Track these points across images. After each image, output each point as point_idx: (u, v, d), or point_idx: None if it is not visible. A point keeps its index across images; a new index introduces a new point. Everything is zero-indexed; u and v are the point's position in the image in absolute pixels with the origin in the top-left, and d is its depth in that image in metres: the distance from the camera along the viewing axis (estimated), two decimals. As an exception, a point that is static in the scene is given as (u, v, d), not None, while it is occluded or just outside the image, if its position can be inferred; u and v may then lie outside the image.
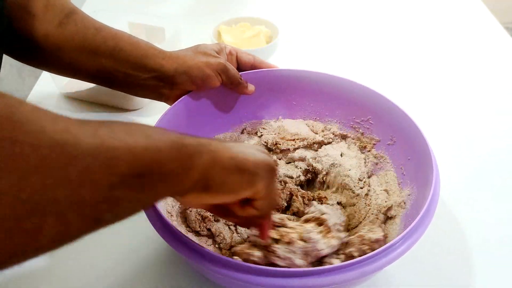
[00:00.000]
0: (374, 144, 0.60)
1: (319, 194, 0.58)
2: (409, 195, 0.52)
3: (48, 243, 0.25)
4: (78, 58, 0.56)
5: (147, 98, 0.62)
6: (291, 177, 0.59)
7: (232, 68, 0.59)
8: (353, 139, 0.62)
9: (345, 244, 0.48)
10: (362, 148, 0.61)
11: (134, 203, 0.30)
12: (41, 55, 0.57)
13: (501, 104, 0.77)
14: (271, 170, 0.39)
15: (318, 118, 0.64)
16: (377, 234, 0.47)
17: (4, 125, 0.22)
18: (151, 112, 0.74)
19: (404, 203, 0.52)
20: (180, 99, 0.58)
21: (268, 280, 0.38)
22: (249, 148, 0.39)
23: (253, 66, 0.64)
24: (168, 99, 0.60)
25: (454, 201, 0.60)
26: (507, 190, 0.62)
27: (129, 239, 0.55)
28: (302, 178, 0.59)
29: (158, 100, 0.61)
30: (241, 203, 0.40)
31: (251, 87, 0.62)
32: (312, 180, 0.61)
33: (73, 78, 0.61)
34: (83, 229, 0.27)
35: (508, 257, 0.54)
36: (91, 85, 0.70)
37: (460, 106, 0.77)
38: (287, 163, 0.61)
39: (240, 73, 0.61)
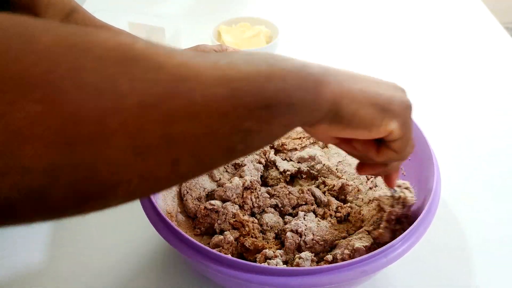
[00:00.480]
0: None
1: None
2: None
3: (186, 172, 0.25)
4: None
5: None
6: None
7: None
8: None
9: (334, 246, 0.48)
10: None
11: (265, 134, 0.28)
12: None
13: (501, 104, 0.77)
14: (407, 107, 0.37)
15: None
16: (362, 243, 0.46)
17: (121, 63, 0.22)
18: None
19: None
20: None
21: (268, 278, 0.38)
22: (382, 83, 0.36)
23: None
24: None
25: (454, 201, 0.60)
26: (507, 190, 0.62)
27: (129, 239, 0.55)
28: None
29: None
30: (377, 146, 0.38)
31: None
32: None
33: None
34: (217, 159, 0.27)
35: (509, 257, 0.54)
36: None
37: (460, 106, 0.77)
38: (297, 162, 0.60)
39: None
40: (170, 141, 0.23)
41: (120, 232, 0.56)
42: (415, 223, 0.42)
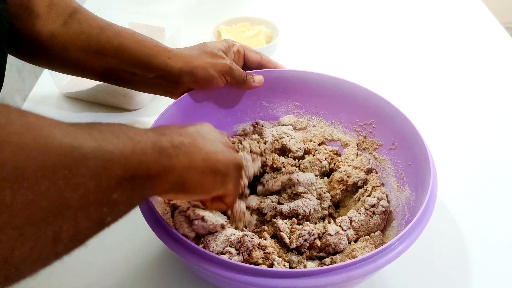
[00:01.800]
0: (376, 148, 0.60)
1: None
2: (407, 199, 0.52)
3: (65, 247, 0.26)
4: (84, 57, 0.56)
5: (154, 94, 0.62)
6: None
7: (237, 69, 0.59)
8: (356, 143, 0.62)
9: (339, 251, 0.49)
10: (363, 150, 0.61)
11: (128, 205, 0.31)
12: (47, 54, 0.57)
13: (501, 105, 0.77)
14: (239, 168, 0.43)
15: (321, 120, 0.64)
16: (363, 252, 0.48)
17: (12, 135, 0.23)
18: (151, 112, 0.74)
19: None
20: (181, 97, 0.58)
21: (260, 280, 0.38)
22: (218, 145, 0.41)
23: (259, 65, 0.64)
24: (173, 95, 0.60)
25: (452, 202, 0.60)
26: (505, 190, 0.62)
27: (127, 242, 0.55)
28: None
29: (164, 96, 0.61)
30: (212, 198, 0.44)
31: (258, 79, 0.61)
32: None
33: (80, 76, 0.61)
34: (91, 233, 0.28)
35: (506, 259, 0.54)
36: (91, 85, 0.70)
37: (460, 106, 0.77)
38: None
39: (246, 72, 0.61)
40: (54, 213, 0.24)
41: (118, 234, 0.55)
42: (411, 224, 0.42)
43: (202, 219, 0.46)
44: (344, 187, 0.56)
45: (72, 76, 0.79)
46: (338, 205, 0.57)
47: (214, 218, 0.47)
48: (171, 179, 0.35)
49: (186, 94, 0.58)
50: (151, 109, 0.75)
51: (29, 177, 0.23)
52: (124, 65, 0.56)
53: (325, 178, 0.59)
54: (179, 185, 0.36)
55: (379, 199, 0.52)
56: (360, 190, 0.56)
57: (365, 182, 0.57)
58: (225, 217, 0.49)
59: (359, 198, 0.55)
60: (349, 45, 0.93)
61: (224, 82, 0.59)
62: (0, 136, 0.23)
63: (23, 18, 0.54)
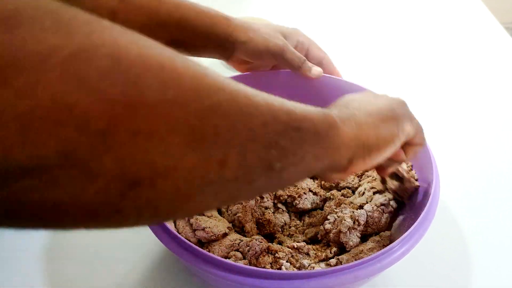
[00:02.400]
0: None
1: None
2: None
3: (232, 175, 0.25)
4: (146, 32, 0.55)
5: (211, 58, 0.62)
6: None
7: (292, 52, 0.58)
8: None
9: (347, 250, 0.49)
10: None
11: (298, 159, 0.29)
12: None
13: (501, 105, 0.77)
14: (404, 104, 0.41)
15: None
16: (370, 253, 0.47)
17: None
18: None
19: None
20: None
21: (262, 282, 0.38)
22: (368, 98, 0.39)
23: (320, 65, 0.62)
24: (228, 61, 0.61)
25: (454, 203, 0.60)
26: (507, 191, 0.62)
27: (129, 245, 0.54)
28: None
29: (220, 59, 0.62)
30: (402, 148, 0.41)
31: (316, 71, 0.59)
32: None
33: None
34: (259, 171, 0.27)
35: (508, 260, 0.54)
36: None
37: (460, 106, 0.77)
38: None
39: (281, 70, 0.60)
40: (219, 137, 0.24)
41: (120, 238, 0.55)
42: (414, 226, 0.42)
43: (204, 230, 0.46)
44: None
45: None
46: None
47: (216, 228, 0.46)
48: (345, 141, 0.33)
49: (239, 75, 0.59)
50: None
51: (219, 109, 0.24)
52: (186, 37, 0.57)
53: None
54: (360, 148, 0.34)
55: (390, 199, 0.51)
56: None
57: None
58: (230, 224, 0.49)
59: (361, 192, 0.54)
60: (349, 45, 0.93)
61: (273, 62, 0.59)
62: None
63: None
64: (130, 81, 0.21)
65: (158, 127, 0.21)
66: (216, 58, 0.62)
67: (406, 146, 0.41)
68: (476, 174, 0.65)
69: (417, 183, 0.50)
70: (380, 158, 0.37)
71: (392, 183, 0.51)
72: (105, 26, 0.21)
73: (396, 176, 0.51)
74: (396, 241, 0.41)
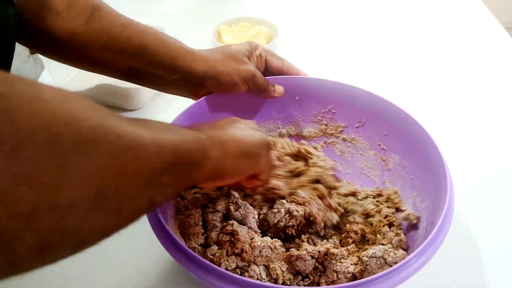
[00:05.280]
0: (341, 131, 0.62)
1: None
2: (421, 205, 0.52)
3: (124, 220, 0.30)
4: (105, 57, 0.55)
5: (175, 95, 0.61)
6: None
7: (260, 76, 0.59)
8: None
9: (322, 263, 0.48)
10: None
11: (173, 189, 0.36)
12: (68, 52, 0.56)
13: (501, 105, 0.77)
14: (268, 146, 0.47)
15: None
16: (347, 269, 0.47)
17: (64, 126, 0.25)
18: (151, 112, 0.74)
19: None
20: (199, 100, 0.58)
21: None
22: (246, 130, 0.45)
23: (281, 72, 0.63)
24: (195, 97, 0.60)
25: (467, 211, 0.58)
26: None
27: (135, 256, 0.54)
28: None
29: (186, 97, 0.61)
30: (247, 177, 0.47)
31: (279, 90, 0.61)
32: None
33: (103, 74, 0.59)
34: (145, 210, 0.32)
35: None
36: (91, 85, 0.70)
37: (460, 106, 0.77)
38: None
39: (266, 77, 0.60)
40: (119, 191, 0.28)
41: (129, 250, 0.54)
42: (426, 241, 0.41)
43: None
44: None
45: (72, 76, 0.79)
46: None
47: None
48: (209, 167, 0.38)
49: (204, 97, 0.58)
50: (151, 109, 0.75)
51: (103, 155, 0.26)
52: (146, 65, 0.56)
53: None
54: (217, 172, 0.40)
55: (402, 257, 0.47)
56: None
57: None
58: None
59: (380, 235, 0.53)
60: (349, 45, 0.93)
61: (246, 88, 0.59)
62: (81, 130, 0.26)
63: (42, 15, 0.52)
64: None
65: (75, 198, 0.25)
66: (181, 95, 0.60)
67: (251, 177, 0.47)
68: (474, 177, 0.64)
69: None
70: (228, 182, 0.44)
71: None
72: None
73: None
74: (412, 255, 0.40)
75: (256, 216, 0.52)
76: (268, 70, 0.63)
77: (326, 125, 0.63)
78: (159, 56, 0.55)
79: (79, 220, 0.25)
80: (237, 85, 0.57)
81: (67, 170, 0.24)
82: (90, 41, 0.54)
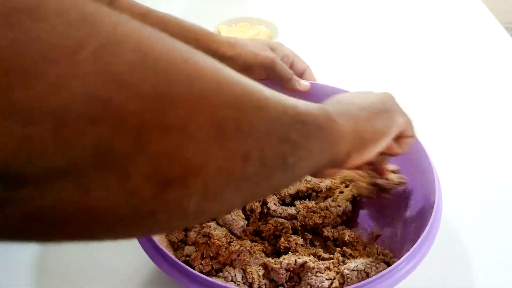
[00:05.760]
0: None
1: None
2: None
3: (252, 170, 0.25)
4: None
5: None
6: None
7: (282, 66, 0.58)
8: None
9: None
10: None
11: (309, 152, 0.30)
12: None
13: (501, 105, 0.77)
14: (393, 98, 0.41)
15: None
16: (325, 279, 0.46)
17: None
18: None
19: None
20: None
21: None
22: (362, 95, 0.40)
23: (302, 74, 0.63)
24: None
25: (455, 215, 0.58)
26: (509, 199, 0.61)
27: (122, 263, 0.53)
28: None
29: None
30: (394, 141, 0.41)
31: (304, 84, 0.60)
32: None
33: None
34: (276, 166, 0.27)
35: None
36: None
37: (459, 106, 0.77)
38: None
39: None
40: (240, 132, 0.24)
41: (111, 252, 0.53)
42: (416, 245, 0.41)
43: None
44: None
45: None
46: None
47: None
48: (345, 133, 0.34)
49: None
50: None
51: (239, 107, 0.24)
52: None
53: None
54: (357, 140, 0.35)
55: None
56: None
57: None
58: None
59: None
60: (349, 45, 0.93)
61: (264, 75, 0.58)
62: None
63: None
64: (159, 75, 0.20)
65: (188, 122, 0.21)
66: None
67: (398, 139, 0.41)
68: (475, 178, 0.63)
69: (403, 181, 0.51)
70: (376, 150, 0.37)
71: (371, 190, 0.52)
72: (127, 19, 0.21)
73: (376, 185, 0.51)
74: (400, 260, 0.40)
75: (245, 224, 0.52)
76: (293, 70, 0.63)
77: None
78: (183, 41, 0.55)
79: (200, 154, 0.22)
80: (253, 69, 0.58)
81: (175, 86, 0.21)
82: None
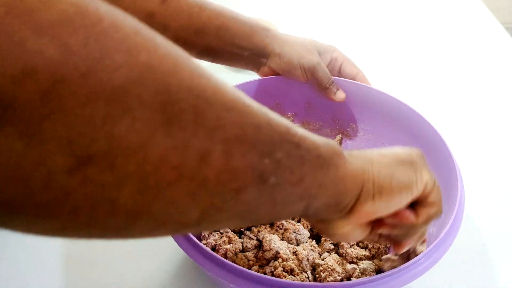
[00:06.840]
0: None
1: None
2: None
3: (213, 173, 0.22)
4: (183, 36, 0.55)
5: (243, 68, 0.63)
6: None
7: (324, 72, 0.59)
8: None
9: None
10: None
11: (296, 176, 0.26)
12: None
13: (501, 105, 0.77)
14: (422, 154, 0.34)
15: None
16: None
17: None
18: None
19: None
20: (247, 81, 0.59)
21: None
22: (388, 149, 0.34)
23: (353, 80, 0.63)
24: (259, 72, 0.62)
25: (477, 213, 0.57)
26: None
27: (150, 254, 0.53)
28: None
29: (251, 70, 0.63)
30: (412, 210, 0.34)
31: (339, 94, 0.60)
32: None
33: None
34: (247, 176, 0.23)
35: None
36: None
37: (459, 106, 0.77)
38: None
39: (334, 77, 0.60)
40: (199, 126, 0.21)
41: (139, 243, 0.53)
42: (436, 242, 0.41)
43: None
44: None
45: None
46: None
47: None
48: (353, 173, 0.29)
49: (259, 79, 0.60)
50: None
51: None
52: (224, 45, 0.56)
53: None
54: (370, 184, 0.30)
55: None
56: None
57: None
58: None
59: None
60: (349, 46, 0.92)
61: (305, 78, 0.59)
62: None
63: None
64: (93, 33, 0.18)
65: (124, 87, 0.18)
66: (248, 68, 0.62)
67: (418, 207, 0.34)
68: (478, 178, 0.64)
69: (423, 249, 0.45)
70: (393, 204, 0.31)
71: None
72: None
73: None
74: (421, 254, 0.40)
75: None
76: (341, 75, 0.63)
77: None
78: (239, 35, 0.57)
79: (136, 133, 0.18)
80: (295, 70, 0.58)
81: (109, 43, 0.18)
82: (170, 21, 0.54)
